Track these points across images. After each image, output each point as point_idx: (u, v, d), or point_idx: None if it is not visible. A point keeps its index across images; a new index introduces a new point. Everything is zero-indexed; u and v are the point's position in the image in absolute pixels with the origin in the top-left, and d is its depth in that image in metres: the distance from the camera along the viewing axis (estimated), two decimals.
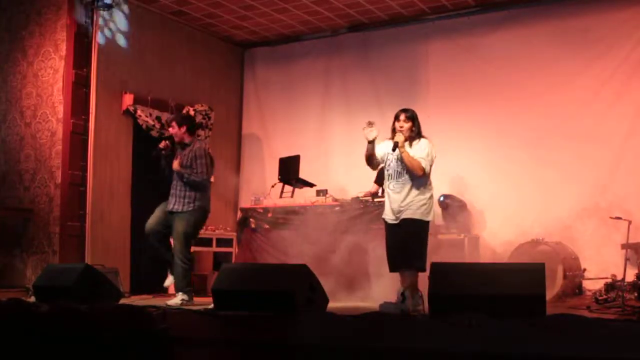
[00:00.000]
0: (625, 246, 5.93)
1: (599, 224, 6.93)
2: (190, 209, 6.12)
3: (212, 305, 4.43)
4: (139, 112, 7.89)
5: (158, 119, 8.11)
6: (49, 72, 7.53)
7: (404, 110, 5.44)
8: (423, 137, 5.44)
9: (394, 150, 5.29)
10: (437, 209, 7.65)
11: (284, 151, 8.47)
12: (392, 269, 5.36)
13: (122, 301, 5.40)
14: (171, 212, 6.16)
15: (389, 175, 5.44)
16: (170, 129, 6.33)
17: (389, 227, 5.42)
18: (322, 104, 8.96)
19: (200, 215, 6.23)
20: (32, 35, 7.70)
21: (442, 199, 7.69)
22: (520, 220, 7.07)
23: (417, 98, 8.33)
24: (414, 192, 5.31)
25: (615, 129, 7.33)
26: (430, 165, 5.35)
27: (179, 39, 8.74)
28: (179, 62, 8.71)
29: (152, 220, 6.26)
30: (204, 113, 8.68)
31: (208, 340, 3.80)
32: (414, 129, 5.39)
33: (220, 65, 9.38)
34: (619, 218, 5.84)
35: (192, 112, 8.48)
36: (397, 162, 5.37)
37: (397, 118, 5.41)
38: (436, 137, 7.97)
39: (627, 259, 5.81)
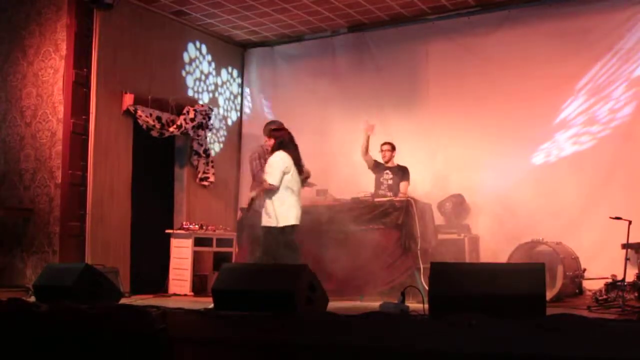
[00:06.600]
0: (625, 246, 5.92)
1: (599, 224, 6.93)
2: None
3: (212, 305, 4.43)
4: (139, 112, 7.89)
5: (158, 119, 8.11)
6: (49, 72, 7.54)
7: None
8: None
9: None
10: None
11: None
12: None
13: (122, 301, 5.38)
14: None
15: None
16: (276, 135, 6.33)
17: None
18: (322, 104, 8.95)
19: None
20: (32, 35, 7.70)
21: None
22: (521, 220, 7.07)
23: (417, 98, 8.35)
24: None
25: (615, 128, 7.33)
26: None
27: (179, 39, 8.75)
28: (179, 62, 8.72)
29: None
30: (204, 113, 8.68)
31: (208, 340, 3.80)
32: None
33: (219, 65, 9.39)
34: (619, 218, 5.82)
35: (192, 113, 8.49)
36: None
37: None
38: (436, 136, 8.10)
39: (627, 259, 5.80)
